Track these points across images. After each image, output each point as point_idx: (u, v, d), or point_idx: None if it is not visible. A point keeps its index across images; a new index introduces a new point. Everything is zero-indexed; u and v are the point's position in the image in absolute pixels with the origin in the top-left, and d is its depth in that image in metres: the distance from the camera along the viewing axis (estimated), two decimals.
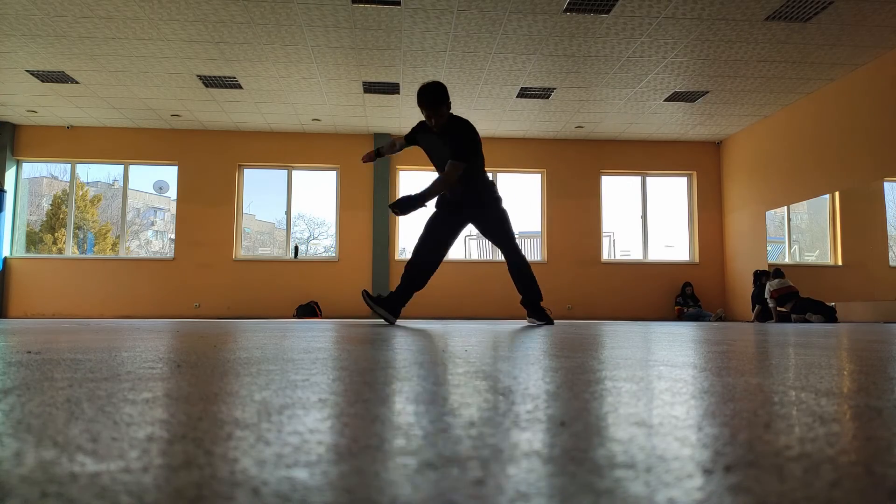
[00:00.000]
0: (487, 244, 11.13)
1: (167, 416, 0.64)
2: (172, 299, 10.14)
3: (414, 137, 4.45)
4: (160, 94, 8.81)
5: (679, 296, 10.52)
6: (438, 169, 4.35)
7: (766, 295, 8.50)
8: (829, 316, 7.84)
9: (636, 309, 10.58)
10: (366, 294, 4.52)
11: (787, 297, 8.25)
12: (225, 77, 8.16)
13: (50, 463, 0.44)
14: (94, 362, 1.24)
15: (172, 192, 10.67)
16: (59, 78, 8.19)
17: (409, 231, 10.73)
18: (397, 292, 4.45)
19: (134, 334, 2.64)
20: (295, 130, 10.44)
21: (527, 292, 4.54)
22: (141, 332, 2.94)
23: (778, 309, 8.39)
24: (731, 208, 10.60)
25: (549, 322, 4.56)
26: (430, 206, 4.50)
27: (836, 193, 8.16)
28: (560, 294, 10.46)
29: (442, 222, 4.45)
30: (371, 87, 8.51)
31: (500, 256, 10.84)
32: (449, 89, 8.53)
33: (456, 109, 9.33)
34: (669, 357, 1.48)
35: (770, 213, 9.57)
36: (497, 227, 4.50)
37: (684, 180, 11.09)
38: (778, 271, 8.48)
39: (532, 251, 11.12)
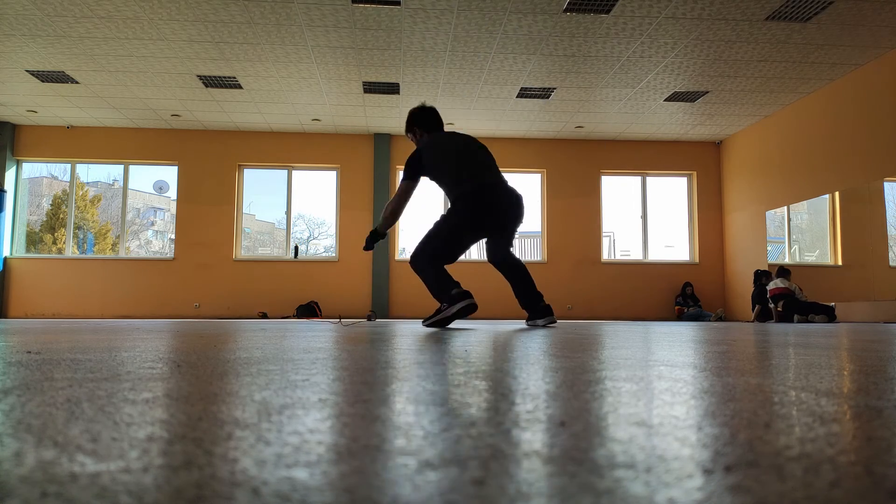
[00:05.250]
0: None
1: (167, 416, 0.64)
2: (172, 299, 10.14)
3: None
4: (160, 94, 8.81)
5: (679, 296, 10.52)
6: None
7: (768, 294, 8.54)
8: (830, 316, 7.85)
9: (636, 309, 10.58)
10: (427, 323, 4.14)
11: (779, 297, 8.28)
12: (225, 77, 8.17)
13: (50, 463, 0.44)
14: (94, 362, 1.24)
15: (172, 192, 10.67)
16: (59, 78, 8.19)
17: (408, 232, 10.73)
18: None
19: (134, 334, 2.64)
20: (295, 130, 10.45)
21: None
22: (141, 332, 2.94)
23: (772, 308, 8.43)
24: (731, 208, 10.60)
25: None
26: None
27: (836, 193, 8.16)
28: (560, 294, 10.47)
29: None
30: (371, 87, 8.51)
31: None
32: (449, 89, 8.54)
33: (456, 110, 9.33)
34: (669, 357, 1.48)
35: (770, 213, 9.57)
36: None
37: (684, 180, 11.10)
38: (781, 270, 8.47)
39: (532, 251, 11.13)
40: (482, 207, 4.10)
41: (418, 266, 4.12)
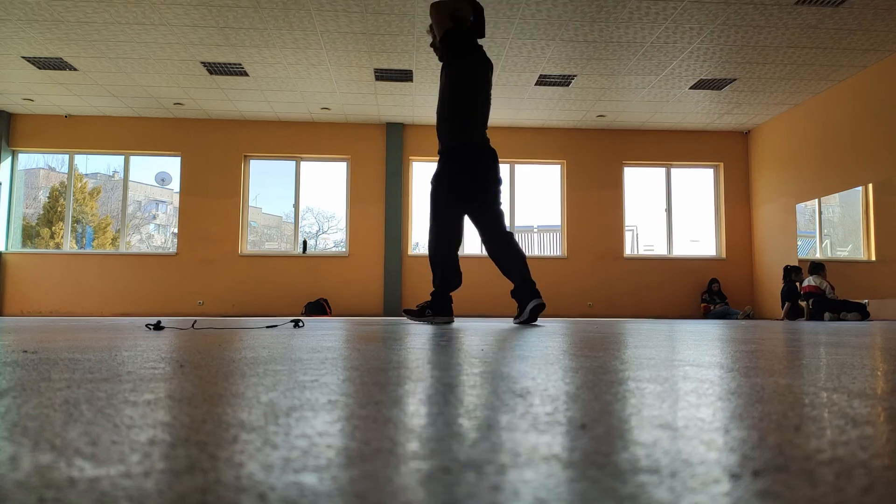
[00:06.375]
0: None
1: (170, 418, 0.63)
2: (175, 296, 10.00)
3: None
4: (162, 82, 8.77)
5: (705, 293, 10.39)
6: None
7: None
8: (863, 313, 7.74)
9: (660, 306, 10.47)
10: (407, 312, 4.37)
11: (809, 296, 8.22)
12: (230, 64, 8.12)
13: (47, 467, 0.43)
14: (94, 362, 1.24)
15: (175, 184, 10.59)
16: (57, 65, 8.15)
17: (423, 225, 10.66)
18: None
19: (134, 333, 2.65)
20: (303, 119, 10.40)
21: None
22: (141, 330, 2.96)
23: (800, 304, 8.37)
24: (759, 201, 10.46)
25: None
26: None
27: (870, 185, 8.02)
28: (580, 290, 10.39)
29: None
30: (383, 75, 8.46)
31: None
32: None
33: None
34: (695, 357, 1.47)
35: (800, 206, 9.43)
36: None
37: (710, 172, 10.96)
38: (814, 266, 8.33)
39: (551, 245, 11.05)
40: (476, 169, 4.20)
41: (434, 267, 4.33)
